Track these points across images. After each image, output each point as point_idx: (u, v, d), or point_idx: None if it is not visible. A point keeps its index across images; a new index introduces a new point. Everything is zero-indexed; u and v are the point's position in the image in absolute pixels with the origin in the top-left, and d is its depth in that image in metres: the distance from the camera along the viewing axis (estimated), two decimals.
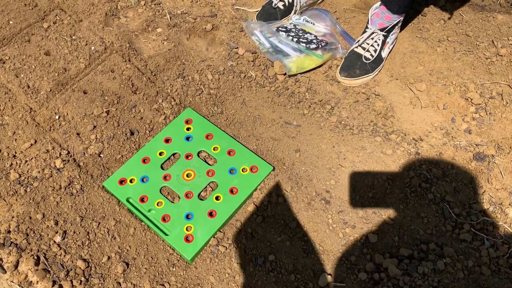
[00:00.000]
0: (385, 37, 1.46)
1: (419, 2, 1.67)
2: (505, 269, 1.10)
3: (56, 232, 1.20)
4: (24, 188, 1.27)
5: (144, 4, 1.70)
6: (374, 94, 1.44)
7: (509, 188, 1.23)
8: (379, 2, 1.44)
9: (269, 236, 1.18)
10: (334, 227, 1.18)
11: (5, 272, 1.16)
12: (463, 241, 1.15)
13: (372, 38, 1.46)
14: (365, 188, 1.25)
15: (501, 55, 1.50)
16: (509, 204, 1.20)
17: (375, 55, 1.45)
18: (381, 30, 1.45)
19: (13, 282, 1.15)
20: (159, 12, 1.68)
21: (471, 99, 1.42)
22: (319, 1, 1.70)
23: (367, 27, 1.49)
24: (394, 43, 1.52)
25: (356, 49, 1.47)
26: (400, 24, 1.48)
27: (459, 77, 1.47)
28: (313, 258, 1.14)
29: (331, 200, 1.23)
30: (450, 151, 1.32)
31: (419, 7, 1.66)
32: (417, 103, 1.43)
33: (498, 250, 1.12)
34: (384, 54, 1.48)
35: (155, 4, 1.70)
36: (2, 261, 1.18)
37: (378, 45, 1.45)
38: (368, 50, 1.45)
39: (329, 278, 1.10)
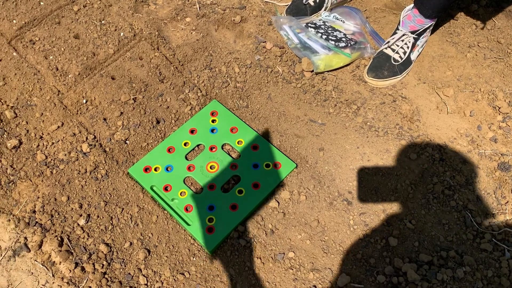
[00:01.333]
0: (416, 40, 1.45)
1: (451, 7, 1.65)
2: None
3: (80, 215, 1.23)
4: (50, 170, 1.29)
5: None
6: (400, 97, 1.44)
7: None
8: (412, 5, 1.43)
9: (290, 233, 1.19)
10: (355, 229, 1.19)
11: (29, 251, 1.19)
12: (483, 250, 1.15)
13: (402, 40, 1.45)
14: (388, 192, 1.25)
15: None
16: None
17: (404, 57, 1.44)
18: (412, 33, 1.44)
19: (36, 261, 1.18)
20: (188, 1, 1.68)
21: (499, 108, 1.40)
22: None
23: (397, 29, 1.48)
24: (423, 46, 1.51)
25: (385, 50, 1.47)
26: (431, 28, 1.46)
27: (487, 84, 1.46)
28: (332, 258, 1.15)
29: (353, 201, 1.24)
30: (475, 159, 1.31)
31: (451, 11, 1.64)
32: (444, 108, 1.42)
33: None
34: (413, 57, 1.47)
35: None
36: (27, 240, 1.20)
37: (408, 47, 1.44)
38: (397, 52, 1.44)
39: (348, 278, 1.11)
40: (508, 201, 1.23)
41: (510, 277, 1.11)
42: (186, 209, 1.21)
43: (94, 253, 1.17)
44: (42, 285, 1.15)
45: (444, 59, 1.53)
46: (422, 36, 1.45)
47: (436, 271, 1.11)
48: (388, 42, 1.48)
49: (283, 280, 1.12)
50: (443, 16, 1.62)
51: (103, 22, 1.61)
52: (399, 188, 1.26)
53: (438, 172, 1.28)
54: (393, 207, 1.23)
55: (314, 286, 1.11)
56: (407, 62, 1.45)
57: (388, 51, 1.46)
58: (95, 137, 1.35)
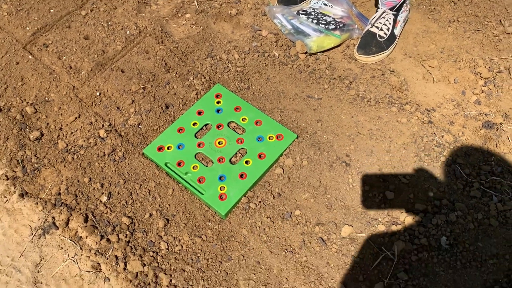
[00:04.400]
0: (395, 15, 1.57)
1: None
2: (511, 221, 1.20)
3: (102, 193, 1.34)
4: (72, 156, 1.41)
5: None
6: (389, 70, 1.56)
7: None
8: None
9: (295, 194, 1.30)
10: (354, 186, 1.30)
11: (58, 228, 1.30)
12: (473, 197, 1.26)
13: (384, 17, 1.57)
14: (382, 152, 1.36)
15: (508, 33, 1.60)
16: None
17: (388, 33, 1.57)
18: (391, 9, 1.56)
19: (64, 237, 1.29)
20: None
21: (480, 74, 1.52)
22: None
23: (377, 8, 1.61)
24: (406, 20, 1.64)
25: (370, 29, 1.59)
26: (408, 2, 1.59)
27: (468, 54, 1.58)
28: (335, 213, 1.26)
29: (351, 162, 1.35)
30: (461, 120, 1.43)
31: None
32: (430, 78, 1.54)
33: (506, 205, 1.23)
34: (397, 32, 1.59)
35: None
36: (54, 219, 1.31)
37: (390, 23, 1.57)
38: (381, 29, 1.57)
39: (350, 229, 1.22)
40: (492, 154, 1.34)
41: (498, 218, 1.21)
42: (199, 181, 1.32)
43: (117, 225, 1.28)
44: (72, 257, 1.26)
45: (427, 35, 1.65)
46: (401, 11, 1.58)
47: (431, 217, 1.21)
48: (371, 21, 1.60)
49: (291, 234, 1.23)
50: None
51: (109, 23, 1.74)
52: (392, 148, 1.37)
53: (428, 133, 1.40)
54: (387, 166, 1.34)
55: (321, 237, 1.22)
56: (392, 37, 1.57)
57: (373, 29, 1.58)
58: (110, 124, 1.47)
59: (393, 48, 1.60)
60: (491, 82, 1.50)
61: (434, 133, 1.40)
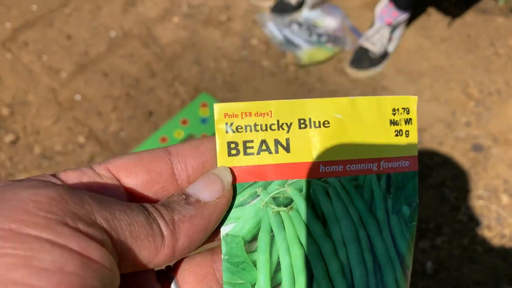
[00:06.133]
0: (391, 32, 1.55)
1: (424, 2, 1.76)
2: (497, 248, 1.18)
3: None
4: (48, 162, 1.34)
5: None
6: (380, 87, 1.53)
7: (503, 176, 1.32)
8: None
9: None
10: None
11: None
12: (459, 221, 1.24)
13: (379, 33, 1.55)
14: None
15: (500, 55, 1.59)
16: (504, 190, 1.29)
17: (382, 49, 1.54)
18: (388, 25, 1.54)
19: None
20: (175, 2, 1.76)
21: (471, 95, 1.50)
22: None
23: (374, 23, 1.58)
24: (399, 38, 1.61)
25: (364, 44, 1.56)
26: (405, 21, 1.57)
27: (460, 74, 1.56)
28: None
29: None
30: (451, 141, 1.41)
31: (424, 7, 1.75)
32: (421, 96, 1.51)
33: (491, 231, 1.21)
34: (390, 49, 1.56)
35: None
36: None
37: (385, 40, 1.54)
38: (375, 45, 1.54)
39: None
40: (481, 178, 1.32)
41: (484, 244, 1.19)
42: None
43: None
44: None
45: (420, 52, 1.63)
46: (397, 29, 1.55)
47: (417, 241, 1.18)
48: (366, 35, 1.58)
49: None
50: (418, 12, 1.73)
51: (94, 23, 1.68)
52: None
53: (417, 153, 1.37)
54: None
55: None
56: (385, 54, 1.55)
57: (367, 45, 1.55)
58: (90, 130, 1.41)
59: (385, 65, 1.57)
60: (481, 104, 1.48)
61: (424, 154, 1.37)
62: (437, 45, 1.65)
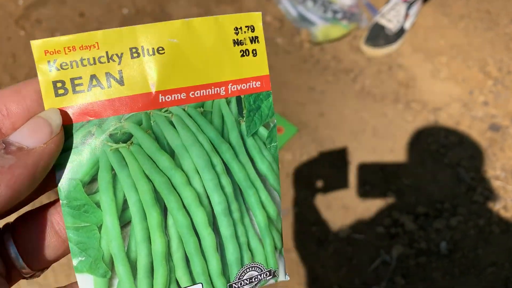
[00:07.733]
0: (408, 9, 1.51)
1: None
2: None
3: None
4: None
5: None
6: (396, 65, 1.50)
7: None
8: None
9: (293, 191, 1.26)
10: (355, 185, 1.26)
11: None
12: (476, 202, 1.23)
13: (395, 10, 1.51)
14: (385, 151, 1.32)
15: None
16: None
17: (398, 26, 1.50)
18: (404, 2, 1.50)
19: None
20: None
21: (489, 73, 1.47)
22: None
23: None
24: (416, 15, 1.57)
25: (380, 21, 1.53)
26: None
27: (478, 52, 1.53)
28: (334, 212, 1.22)
29: (353, 160, 1.31)
30: (467, 120, 1.38)
31: None
32: (438, 75, 1.49)
33: (508, 211, 1.20)
34: (406, 26, 1.53)
35: None
36: None
37: (401, 16, 1.51)
38: (391, 21, 1.51)
39: (349, 230, 1.18)
40: (498, 158, 1.30)
41: (500, 225, 1.19)
42: None
43: None
44: None
45: (437, 30, 1.59)
46: (413, 5, 1.51)
47: (432, 221, 1.18)
48: (382, 12, 1.54)
49: (288, 233, 1.19)
50: None
51: (106, 0, 1.66)
52: (396, 148, 1.33)
53: (433, 132, 1.36)
54: (390, 166, 1.30)
55: (318, 237, 1.18)
56: (401, 31, 1.51)
57: (383, 21, 1.52)
58: None
59: (402, 43, 1.54)
60: (500, 83, 1.45)
61: (439, 134, 1.35)
62: (455, 22, 1.60)
